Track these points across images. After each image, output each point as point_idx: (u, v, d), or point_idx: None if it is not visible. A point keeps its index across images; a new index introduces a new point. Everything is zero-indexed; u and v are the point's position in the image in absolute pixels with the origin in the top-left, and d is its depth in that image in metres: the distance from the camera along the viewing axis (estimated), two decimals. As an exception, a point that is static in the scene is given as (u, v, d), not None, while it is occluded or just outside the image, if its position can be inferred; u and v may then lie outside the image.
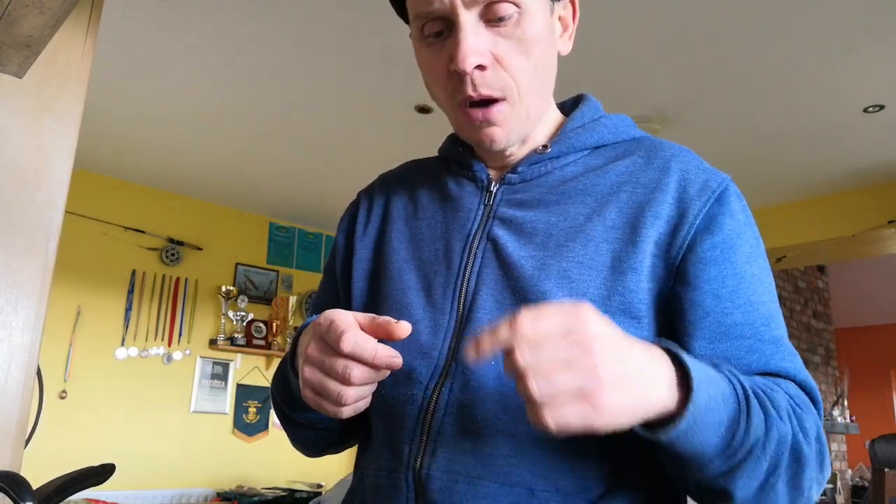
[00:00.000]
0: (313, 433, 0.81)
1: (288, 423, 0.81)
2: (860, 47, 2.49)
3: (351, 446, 0.88)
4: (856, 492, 5.36)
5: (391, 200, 0.86)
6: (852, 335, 7.43)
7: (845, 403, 6.11)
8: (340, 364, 0.60)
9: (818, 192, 3.96)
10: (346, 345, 0.59)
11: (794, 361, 0.70)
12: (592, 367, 0.50)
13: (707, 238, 0.70)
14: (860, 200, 3.84)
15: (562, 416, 0.50)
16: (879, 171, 3.62)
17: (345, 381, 0.60)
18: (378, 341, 0.61)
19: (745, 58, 2.59)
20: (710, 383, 0.57)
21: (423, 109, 3.09)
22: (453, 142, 0.86)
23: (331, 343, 0.60)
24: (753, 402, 0.60)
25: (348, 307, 0.80)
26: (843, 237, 3.86)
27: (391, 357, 0.60)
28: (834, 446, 6.41)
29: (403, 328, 0.60)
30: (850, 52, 2.52)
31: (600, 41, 2.51)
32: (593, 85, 2.70)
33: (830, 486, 5.15)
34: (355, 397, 0.62)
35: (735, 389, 0.60)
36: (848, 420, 6.01)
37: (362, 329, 0.61)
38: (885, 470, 2.79)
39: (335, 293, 0.87)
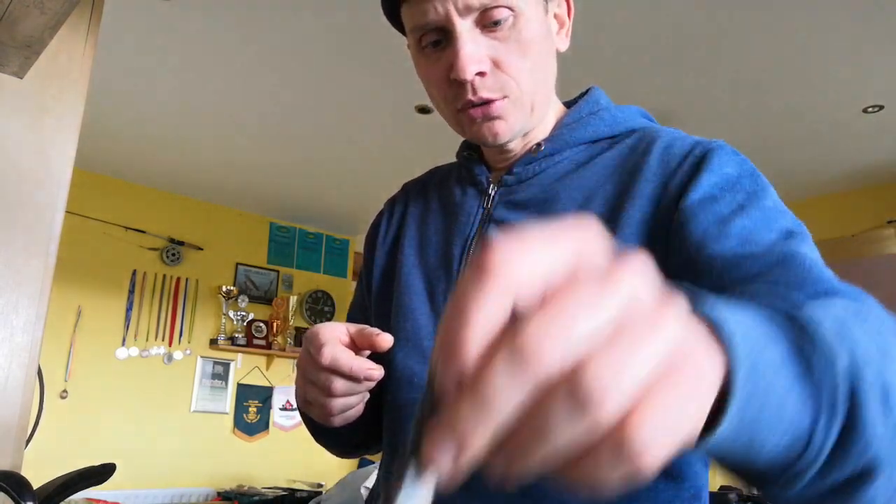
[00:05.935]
0: (337, 434, 0.81)
1: (306, 423, 0.82)
2: (860, 47, 2.49)
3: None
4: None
5: (409, 208, 0.88)
6: (852, 335, 7.42)
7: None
8: (322, 376, 0.62)
9: (818, 192, 3.95)
10: (325, 359, 0.61)
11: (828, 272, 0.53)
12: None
13: (685, 198, 0.64)
14: (860, 200, 3.84)
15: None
16: (879, 171, 3.62)
17: (327, 392, 0.62)
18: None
19: (745, 58, 2.59)
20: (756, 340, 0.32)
21: (423, 109, 3.09)
22: (464, 147, 0.86)
23: (313, 356, 0.62)
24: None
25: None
26: (843, 237, 3.86)
27: (369, 370, 0.62)
28: (834, 446, 6.41)
29: (385, 340, 0.62)
30: (850, 52, 2.52)
31: (601, 42, 2.51)
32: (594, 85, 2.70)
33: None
34: (340, 408, 0.64)
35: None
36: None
37: (352, 339, 0.63)
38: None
39: (363, 300, 0.90)
